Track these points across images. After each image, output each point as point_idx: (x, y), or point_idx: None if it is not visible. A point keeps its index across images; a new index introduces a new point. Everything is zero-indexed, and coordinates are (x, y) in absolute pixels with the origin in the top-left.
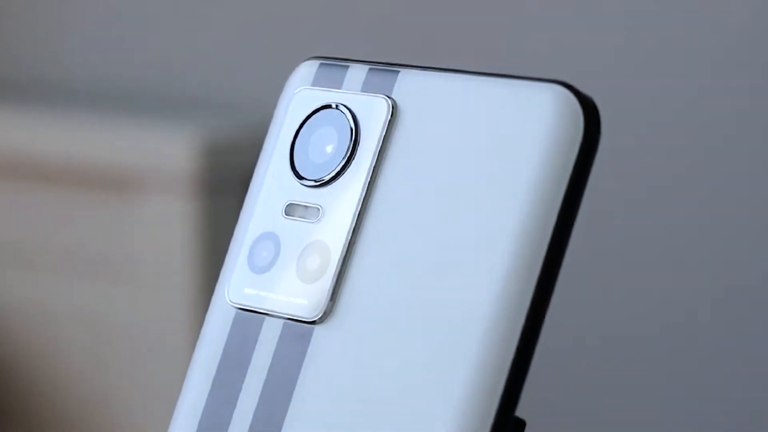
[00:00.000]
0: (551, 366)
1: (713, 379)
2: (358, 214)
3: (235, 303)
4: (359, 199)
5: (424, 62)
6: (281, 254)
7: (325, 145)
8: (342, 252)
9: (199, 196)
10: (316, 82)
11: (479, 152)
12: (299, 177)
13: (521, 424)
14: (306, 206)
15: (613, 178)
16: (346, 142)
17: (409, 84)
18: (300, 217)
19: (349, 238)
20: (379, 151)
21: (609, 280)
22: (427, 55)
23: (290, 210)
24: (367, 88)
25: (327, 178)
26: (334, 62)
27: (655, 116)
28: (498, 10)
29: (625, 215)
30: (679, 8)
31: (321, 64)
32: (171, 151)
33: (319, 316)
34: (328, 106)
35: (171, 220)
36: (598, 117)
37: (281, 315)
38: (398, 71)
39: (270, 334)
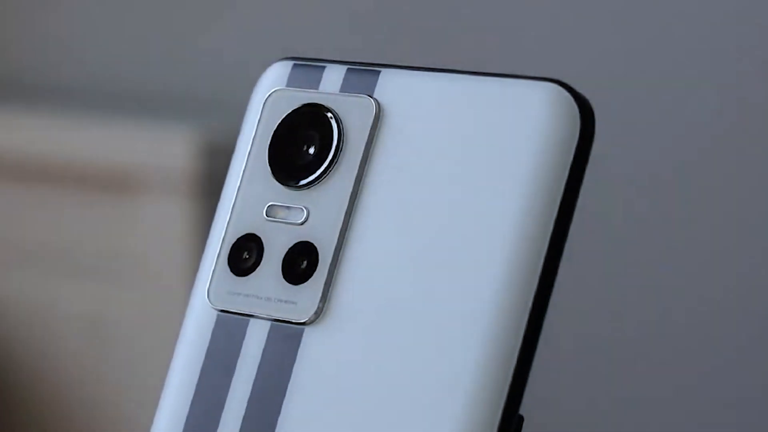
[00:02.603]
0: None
1: (713, 380)
2: (348, 215)
3: (217, 306)
4: (348, 200)
5: (415, 63)
6: (265, 256)
7: (306, 147)
8: (333, 253)
9: (199, 196)
10: (291, 83)
11: (472, 151)
12: (280, 179)
13: (520, 419)
14: (289, 207)
15: (605, 176)
16: (331, 143)
17: (393, 84)
18: (282, 219)
19: (340, 238)
20: (366, 152)
21: (602, 277)
22: (419, 55)
23: (271, 211)
24: (346, 88)
25: (311, 179)
26: (309, 62)
27: (643, 114)
28: (486, 9)
29: (618, 213)
30: (673, 6)
31: (295, 64)
32: (171, 151)
33: (311, 317)
34: (308, 107)
35: (171, 220)
36: (593, 115)
37: (268, 317)
38: (379, 71)
39: (256, 337)
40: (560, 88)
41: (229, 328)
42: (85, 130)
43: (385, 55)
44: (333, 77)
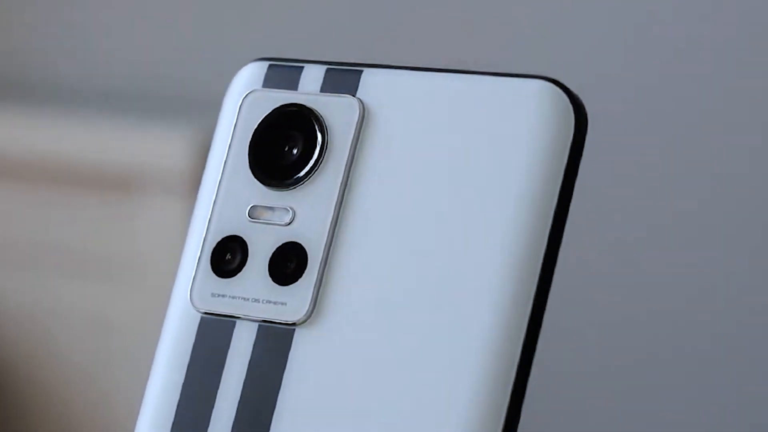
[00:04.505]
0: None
1: (712, 381)
2: (336, 216)
3: (201, 308)
4: (336, 200)
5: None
6: (249, 257)
7: (288, 147)
8: (323, 253)
9: None
10: (268, 84)
11: (464, 150)
12: (262, 180)
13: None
14: (273, 208)
15: (595, 175)
16: (314, 143)
17: (376, 83)
18: (266, 220)
19: (330, 238)
20: (352, 152)
21: (594, 274)
22: (410, 56)
23: (254, 213)
24: (327, 88)
25: (296, 180)
26: (285, 63)
27: (632, 112)
28: (475, 9)
29: (609, 212)
30: (666, 4)
31: (270, 65)
32: (171, 151)
33: (302, 317)
34: (289, 107)
35: (171, 220)
36: (586, 112)
37: (256, 318)
38: (361, 71)
39: (244, 339)
40: (553, 86)
41: (215, 330)
42: (84, 130)
43: (382, 56)
44: (312, 77)
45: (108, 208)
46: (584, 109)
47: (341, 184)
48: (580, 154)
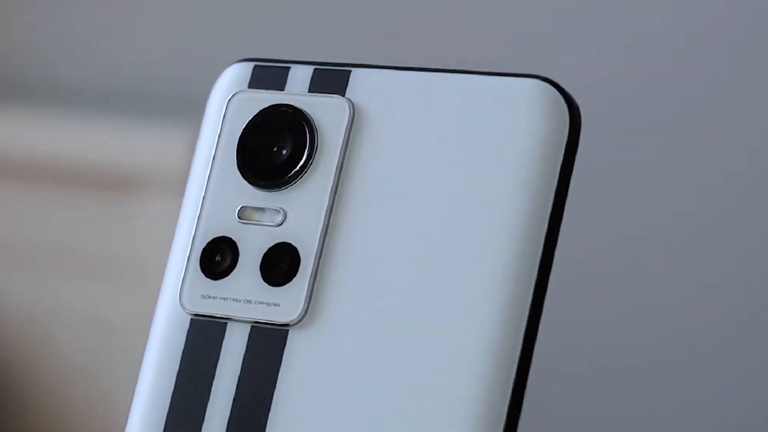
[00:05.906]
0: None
1: (712, 381)
2: (328, 216)
3: (191, 310)
4: (328, 200)
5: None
6: (240, 258)
7: (277, 148)
8: (316, 253)
9: None
10: (254, 85)
11: (458, 150)
12: (251, 180)
13: None
14: (263, 209)
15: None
16: (304, 143)
17: (366, 84)
18: (257, 221)
19: (322, 239)
20: (343, 152)
21: (587, 274)
22: (406, 56)
23: (244, 214)
24: (315, 88)
25: (287, 180)
26: (272, 63)
27: (623, 111)
28: (466, 8)
29: (605, 211)
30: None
31: (256, 66)
32: (171, 151)
33: (296, 318)
34: (277, 107)
35: (171, 220)
36: (579, 111)
37: (248, 319)
38: (350, 71)
39: (236, 340)
40: (547, 85)
41: (205, 332)
42: (84, 130)
43: (381, 56)
44: (299, 78)
45: (108, 208)
46: (578, 107)
47: (332, 184)
48: (575, 152)
